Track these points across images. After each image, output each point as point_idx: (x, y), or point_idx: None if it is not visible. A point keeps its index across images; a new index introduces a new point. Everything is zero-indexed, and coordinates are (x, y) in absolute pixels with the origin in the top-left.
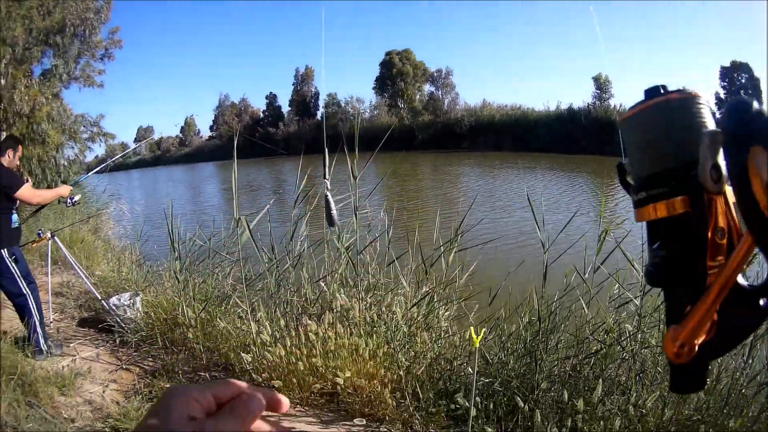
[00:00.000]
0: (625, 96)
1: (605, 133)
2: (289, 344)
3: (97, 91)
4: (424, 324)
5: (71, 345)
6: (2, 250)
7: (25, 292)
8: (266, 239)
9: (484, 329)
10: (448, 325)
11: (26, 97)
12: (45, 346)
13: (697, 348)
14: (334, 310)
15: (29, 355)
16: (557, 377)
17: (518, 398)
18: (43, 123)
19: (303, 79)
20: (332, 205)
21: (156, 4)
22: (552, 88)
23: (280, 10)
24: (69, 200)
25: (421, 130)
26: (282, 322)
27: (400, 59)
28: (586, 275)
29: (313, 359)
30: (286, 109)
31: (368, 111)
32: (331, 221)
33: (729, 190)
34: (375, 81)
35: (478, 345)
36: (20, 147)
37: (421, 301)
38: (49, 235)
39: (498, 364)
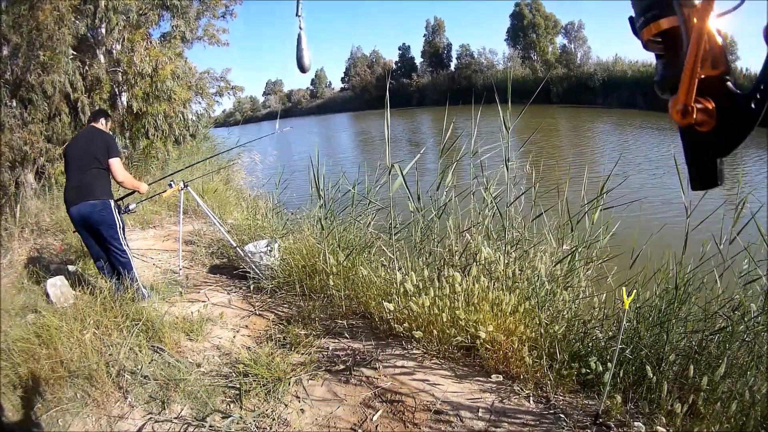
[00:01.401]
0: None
1: None
2: (432, 295)
3: (224, 48)
4: (564, 282)
5: (201, 291)
6: (111, 201)
7: (126, 246)
8: (411, 189)
9: (635, 291)
10: (587, 286)
11: (147, 58)
12: (146, 291)
13: (699, 113)
14: (478, 263)
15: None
16: (683, 351)
17: (648, 368)
18: (168, 81)
19: (434, 30)
20: (304, 45)
21: None
22: None
23: None
24: (127, 207)
25: (555, 84)
26: (426, 273)
27: (530, 11)
28: (722, 246)
29: (457, 311)
30: (418, 60)
31: (501, 62)
32: (302, 65)
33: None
34: (506, 32)
35: (627, 307)
36: (110, 119)
37: (564, 260)
38: (182, 185)
39: (631, 331)
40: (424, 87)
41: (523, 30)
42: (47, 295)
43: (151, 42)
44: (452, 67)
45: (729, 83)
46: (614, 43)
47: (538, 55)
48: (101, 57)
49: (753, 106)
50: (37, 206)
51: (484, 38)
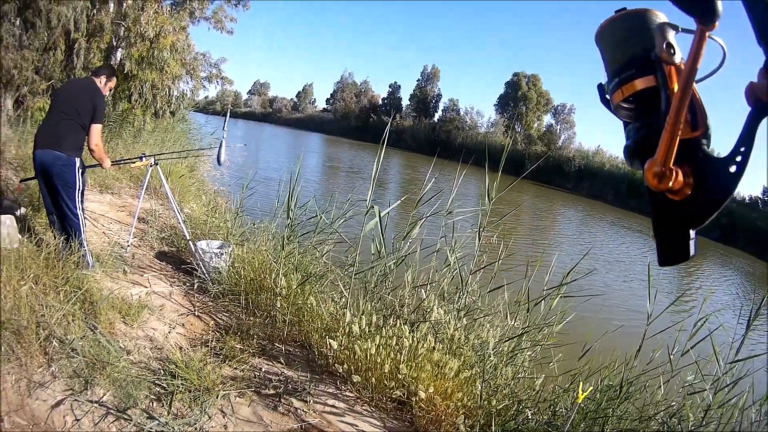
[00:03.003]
0: None
1: None
2: (377, 343)
3: (225, 36)
4: (508, 359)
5: (145, 275)
6: (77, 159)
7: (80, 209)
8: (378, 232)
9: (590, 387)
10: (530, 366)
11: (153, 22)
12: (91, 259)
13: (677, 178)
14: (429, 321)
15: (77, 266)
16: None
17: None
18: (165, 51)
19: (429, 77)
20: (224, 149)
21: None
22: None
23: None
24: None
25: (532, 160)
26: (373, 318)
27: (527, 83)
28: (673, 354)
29: (399, 365)
30: (405, 102)
31: (485, 126)
32: (219, 160)
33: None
34: (498, 99)
35: (579, 401)
36: (114, 80)
37: (514, 338)
38: (152, 161)
39: (563, 418)
40: (403, 129)
41: (514, 100)
42: None
43: (161, 7)
44: (435, 118)
45: (705, 147)
46: (599, 135)
47: (522, 128)
48: (111, 5)
49: (731, 170)
50: (6, 135)
51: (474, 98)
